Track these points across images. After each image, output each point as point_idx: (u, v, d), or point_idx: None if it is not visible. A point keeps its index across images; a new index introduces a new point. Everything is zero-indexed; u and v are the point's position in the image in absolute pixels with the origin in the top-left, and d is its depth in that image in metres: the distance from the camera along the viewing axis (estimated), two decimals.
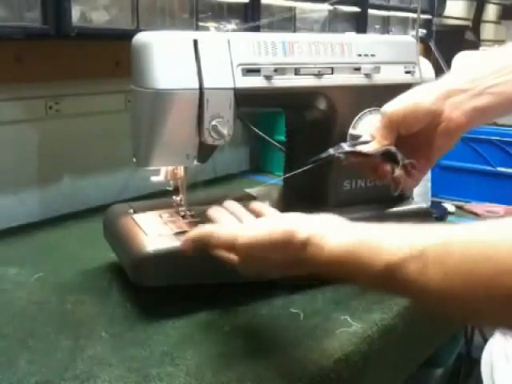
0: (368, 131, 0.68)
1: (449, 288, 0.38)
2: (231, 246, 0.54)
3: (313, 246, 0.47)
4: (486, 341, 0.86)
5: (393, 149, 0.62)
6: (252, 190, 0.88)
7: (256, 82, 0.69)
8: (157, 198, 0.85)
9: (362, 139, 0.67)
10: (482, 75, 0.60)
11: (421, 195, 0.91)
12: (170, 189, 0.76)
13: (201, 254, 0.58)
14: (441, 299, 0.39)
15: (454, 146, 0.64)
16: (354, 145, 0.65)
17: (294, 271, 0.51)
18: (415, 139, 0.62)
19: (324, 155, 0.66)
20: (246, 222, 0.58)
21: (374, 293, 0.72)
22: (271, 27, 1.31)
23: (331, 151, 0.66)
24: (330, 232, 0.47)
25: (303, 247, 0.47)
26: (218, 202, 0.82)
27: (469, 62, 0.62)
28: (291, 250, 0.48)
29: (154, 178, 0.75)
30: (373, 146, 0.63)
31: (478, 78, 0.60)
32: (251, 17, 1.22)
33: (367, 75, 0.75)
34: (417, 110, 0.61)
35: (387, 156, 0.63)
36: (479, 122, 0.62)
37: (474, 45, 2.09)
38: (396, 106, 0.62)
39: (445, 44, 1.92)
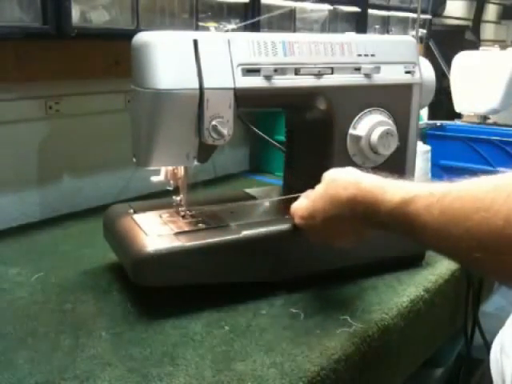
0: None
1: (442, 222, 0.45)
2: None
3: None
4: (486, 341, 0.86)
5: None
6: (252, 190, 0.88)
7: (256, 82, 0.69)
8: (157, 198, 0.85)
9: None
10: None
11: None
12: (170, 189, 0.76)
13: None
14: (437, 233, 0.46)
15: None
16: None
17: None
18: None
19: None
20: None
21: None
22: (271, 27, 1.31)
23: None
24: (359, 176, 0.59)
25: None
26: (218, 201, 0.82)
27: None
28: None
29: (153, 178, 0.75)
30: None
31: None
32: (251, 17, 1.23)
33: (367, 75, 0.75)
34: None
35: None
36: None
37: (474, 45, 2.09)
38: None
39: (445, 44, 1.92)
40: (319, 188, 0.63)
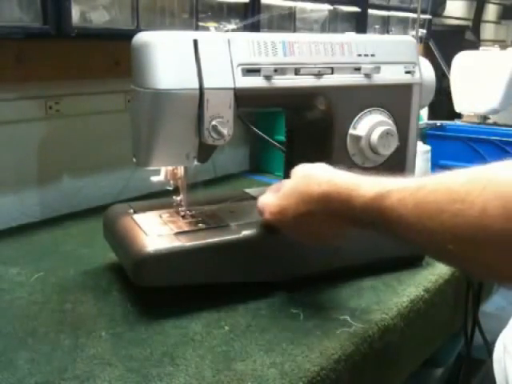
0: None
1: (416, 215, 0.45)
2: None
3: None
4: (486, 341, 0.86)
5: None
6: (252, 190, 0.88)
7: (256, 82, 0.69)
8: (157, 198, 0.85)
9: None
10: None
11: None
12: (170, 189, 0.76)
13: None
14: (411, 226, 0.46)
15: None
16: None
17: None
18: None
19: None
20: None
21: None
22: (271, 27, 1.31)
23: None
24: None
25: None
26: (218, 201, 0.82)
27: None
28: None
29: (153, 178, 0.75)
30: None
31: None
32: (251, 17, 1.23)
33: (367, 75, 0.75)
34: None
35: None
36: None
37: (474, 45, 2.09)
38: None
39: (445, 44, 1.92)
40: (289, 183, 0.62)
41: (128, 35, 0.69)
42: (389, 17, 1.79)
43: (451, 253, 0.43)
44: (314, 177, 0.59)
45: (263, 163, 1.42)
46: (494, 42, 2.62)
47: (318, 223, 0.59)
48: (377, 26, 1.76)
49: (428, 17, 1.95)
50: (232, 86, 0.67)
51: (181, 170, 0.74)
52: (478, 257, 0.42)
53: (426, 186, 0.46)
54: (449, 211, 0.42)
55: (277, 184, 0.66)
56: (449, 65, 1.50)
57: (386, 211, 0.48)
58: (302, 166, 0.63)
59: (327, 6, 1.48)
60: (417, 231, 0.46)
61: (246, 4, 1.23)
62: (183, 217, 0.75)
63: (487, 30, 2.72)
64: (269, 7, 1.30)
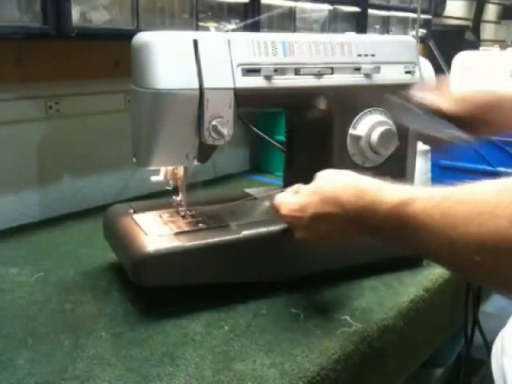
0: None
1: (441, 225, 0.44)
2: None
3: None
4: (486, 341, 0.86)
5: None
6: (252, 190, 0.88)
7: (256, 82, 0.69)
8: (157, 198, 0.85)
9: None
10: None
11: None
12: (170, 189, 0.76)
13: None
14: (434, 236, 0.45)
15: None
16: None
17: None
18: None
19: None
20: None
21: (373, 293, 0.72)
22: (271, 27, 1.31)
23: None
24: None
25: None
26: (218, 201, 0.82)
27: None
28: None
29: (153, 178, 0.75)
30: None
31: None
32: (251, 17, 1.23)
33: (367, 75, 0.75)
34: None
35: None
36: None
37: (474, 45, 2.09)
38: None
39: (445, 44, 1.92)
40: (313, 184, 0.62)
41: (128, 35, 0.69)
42: (389, 17, 1.79)
43: (475, 265, 0.42)
44: (341, 181, 0.58)
45: (263, 163, 1.42)
46: (494, 41, 2.62)
47: (333, 227, 0.59)
48: (377, 26, 1.76)
49: (428, 17, 1.95)
50: (232, 86, 0.67)
51: (181, 170, 0.73)
52: (501, 269, 0.41)
53: (452, 196, 0.45)
54: (475, 222, 0.41)
55: (296, 186, 0.66)
56: (449, 65, 1.50)
57: (410, 219, 0.48)
58: (329, 170, 0.62)
59: (327, 6, 1.48)
60: (440, 242, 0.45)
61: (245, 4, 1.23)
62: (183, 217, 0.75)
63: (487, 30, 2.72)
64: (269, 7, 1.30)
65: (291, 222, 0.64)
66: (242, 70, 0.68)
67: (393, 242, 0.53)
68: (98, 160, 1.09)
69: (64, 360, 0.58)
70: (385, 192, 0.52)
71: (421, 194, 0.48)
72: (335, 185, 0.59)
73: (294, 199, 0.63)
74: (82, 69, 1.01)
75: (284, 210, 0.64)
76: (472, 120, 0.70)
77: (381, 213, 0.51)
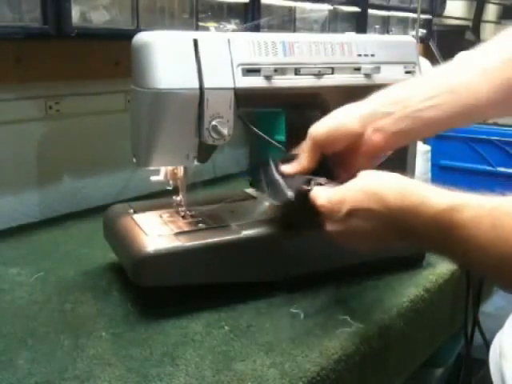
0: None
1: (491, 237, 0.42)
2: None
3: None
4: (486, 341, 0.86)
5: (310, 179, 0.63)
6: (252, 190, 0.88)
7: (256, 81, 0.69)
8: (157, 198, 0.85)
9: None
10: (410, 96, 0.59)
11: None
12: (170, 189, 0.76)
13: None
14: (482, 248, 0.43)
15: (376, 164, 0.64)
16: (282, 161, 0.67)
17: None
18: (339, 155, 0.64)
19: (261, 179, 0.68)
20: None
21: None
22: (271, 27, 1.31)
23: (261, 174, 0.68)
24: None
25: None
26: (218, 201, 0.82)
27: (406, 81, 0.61)
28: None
29: (153, 178, 0.75)
30: (295, 167, 0.65)
31: (405, 99, 0.59)
32: (251, 17, 1.23)
33: (367, 75, 0.75)
34: (339, 131, 0.61)
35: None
36: (401, 144, 0.62)
37: (474, 45, 2.09)
38: (320, 127, 0.63)
39: (445, 44, 1.92)
40: (357, 180, 0.58)
41: (128, 35, 0.69)
42: (389, 17, 1.79)
43: None
44: (387, 180, 0.55)
45: None
46: None
47: (371, 225, 0.55)
48: (377, 26, 1.76)
49: (428, 17, 1.95)
50: (232, 86, 0.67)
51: (181, 170, 0.73)
52: None
53: (502, 205, 0.43)
54: None
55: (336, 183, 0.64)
56: None
57: (456, 227, 0.45)
58: (372, 170, 0.59)
59: (327, 6, 1.48)
60: (488, 254, 0.42)
61: (246, 4, 1.23)
62: (183, 217, 0.75)
63: (487, 30, 2.71)
64: (269, 7, 1.30)
65: (327, 213, 0.59)
66: (242, 69, 0.68)
67: (432, 249, 0.50)
68: (98, 160, 1.09)
69: (64, 360, 0.58)
70: (432, 195, 0.49)
71: (470, 201, 0.46)
72: (380, 182, 0.55)
73: (334, 190, 0.60)
74: (82, 69, 1.01)
75: (321, 200, 0.60)
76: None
77: (425, 216, 0.48)
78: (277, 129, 1.12)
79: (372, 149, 0.61)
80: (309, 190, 0.62)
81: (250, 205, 0.82)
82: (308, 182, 0.63)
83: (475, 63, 0.61)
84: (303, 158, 0.64)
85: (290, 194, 0.62)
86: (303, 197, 0.62)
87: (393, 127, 0.59)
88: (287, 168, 0.65)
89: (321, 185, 0.63)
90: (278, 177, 0.65)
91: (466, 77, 0.59)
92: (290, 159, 0.66)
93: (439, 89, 0.59)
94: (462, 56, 0.66)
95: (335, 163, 0.65)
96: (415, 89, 0.60)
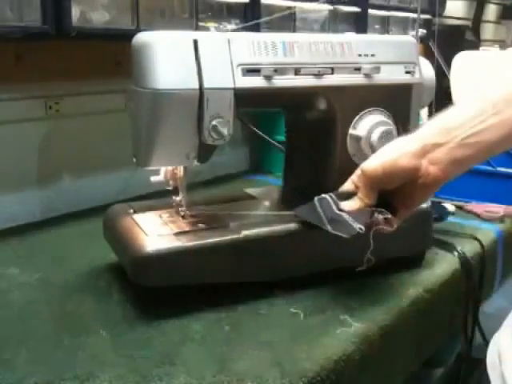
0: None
1: None
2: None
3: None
4: (486, 341, 0.86)
5: (374, 211, 0.63)
6: (252, 190, 0.88)
7: (256, 81, 0.69)
8: (157, 198, 0.85)
9: (343, 188, 0.66)
10: (458, 125, 0.59)
11: None
12: (170, 189, 0.76)
13: None
14: None
15: (434, 194, 0.67)
16: (338, 197, 0.66)
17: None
18: (396, 191, 0.64)
19: (312, 215, 0.67)
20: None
21: (373, 290, 0.72)
22: (271, 27, 1.31)
23: (319, 209, 0.66)
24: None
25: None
26: (218, 201, 0.82)
27: (448, 110, 0.62)
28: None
29: (153, 178, 0.75)
30: (356, 204, 0.64)
31: (454, 129, 0.59)
32: (251, 17, 1.22)
33: (367, 75, 0.75)
34: (394, 169, 0.61)
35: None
36: (459, 173, 0.62)
37: (474, 45, 2.09)
38: (375, 164, 0.62)
39: (445, 44, 1.91)
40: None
41: (128, 35, 0.69)
42: (389, 17, 1.78)
43: None
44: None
45: (263, 163, 1.42)
46: (494, 42, 2.61)
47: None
48: (377, 26, 1.76)
49: (428, 17, 1.95)
50: (232, 86, 0.67)
51: (181, 170, 0.73)
52: None
53: None
54: None
55: None
56: (449, 65, 1.50)
57: None
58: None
59: (327, 6, 1.48)
60: None
61: (246, 4, 1.23)
62: (183, 217, 0.75)
63: (487, 30, 2.71)
64: (269, 7, 1.30)
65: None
66: (242, 69, 0.68)
67: None
68: (98, 160, 1.09)
69: (64, 360, 0.58)
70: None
71: None
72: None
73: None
74: (82, 69, 1.01)
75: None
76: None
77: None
78: (277, 129, 1.12)
79: (430, 182, 0.61)
80: (378, 223, 0.63)
81: (250, 205, 0.83)
82: (371, 214, 0.63)
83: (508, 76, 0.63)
84: (363, 195, 0.64)
85: (358, 226, 0.62)
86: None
87: (448, 158, 0.59)
88: (350, 206, 0.65)
89: (384, 216, 0.63)
90: (339, 212, 0.64)
91: (506, 93, 0.59)
92: (344, 195, 0.66)
93: (484, 112, 0.59)
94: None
95: (393, 196, 0.64)
96: (461, 115, 0.60)
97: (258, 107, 0.85)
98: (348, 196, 0.65)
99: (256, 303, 0.70)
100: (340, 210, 0.65)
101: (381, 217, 0.63)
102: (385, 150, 0.63)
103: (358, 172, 0.64)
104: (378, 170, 0.62)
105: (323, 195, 0.67)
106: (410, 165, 0.60)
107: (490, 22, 2.74)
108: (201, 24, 1.14)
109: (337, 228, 0.64)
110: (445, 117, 0.61)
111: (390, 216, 0.63)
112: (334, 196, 0.66)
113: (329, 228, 0.65)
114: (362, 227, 0.62)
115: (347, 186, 0.66)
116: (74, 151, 1.05)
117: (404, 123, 0.79)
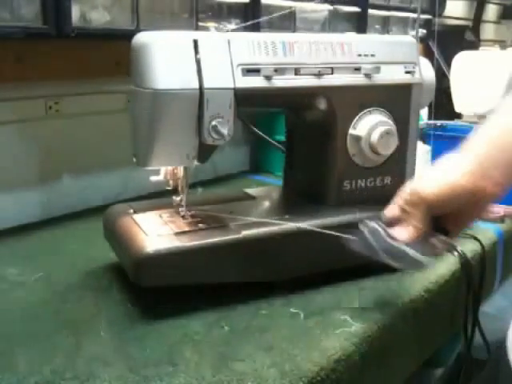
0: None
1: None
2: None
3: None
4: (486, 341, 0.86)
5: (429, 236, 0.60)
6: (252, 190, 0.88)
7: (256, 81, 0.69)
8: (157, 198, 0.85)
9: (388, 214, 0.61)
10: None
11: None
12: (170, 189, 0.76)
13: None
14: None
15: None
16: (385, 224, 0.61)
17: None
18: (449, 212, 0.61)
19: (364, 246, 0.63)
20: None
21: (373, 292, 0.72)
22: (271, 27, 1.31)
23: (371, 241, 0.62)
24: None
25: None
26: (218, 201, 0.82)
27: (494, 122, 0.60)
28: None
29: (153, 178, 0.75)
30: (411, 232, 0.60)
31: (507, 143, 0.57)
32: (251, 17, 1.23)
33: (367, 75, 0.75)
34: (454, 191, 0.57)
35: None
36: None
37: (474, 45, 2.09)
38: (431, 188, 0.58)
39: (445, 44, 1.91)
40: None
41: (128, 35, 0.69)
42: (389, 17, 1.79)
43: None
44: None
45: (263, 163, 1.42)
46: (494, 41, 2.61)
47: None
48: (377, 26, 1.76)
49: (428, 17, 1.95)
50: (232, 86, 0.67)
51: (181, 170, 0.73)
52: None
53: None
54: None
55: None
56: (449, 65, 1.50)
57: None
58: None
59: (327, 6, 1.48)
60: None
61: (246, 4, 1.23)
62: (183, 217, 0.75)
63: (487, 30, 2.71)
64: (269, 7, 1.30)
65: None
66: (242, 70, 0.68)
67: None
68: (98, 160, 1.09)
69: (64, 360, 0.58)
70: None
71: None
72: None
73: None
74: (82, 69, 1.01)
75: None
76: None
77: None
78: (277, 129, 1.12)
79: (489, 201, 0.59)
80: (436, 248, 0.60)
81: (250, 205, 0.83)
82: (426, 239, 0.60)
83: None
84: (417, 221, 0.59)
85: (426, 260, 0.59)
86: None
87: (507, 175, 0.57)
88: (402, 235, 0.60)
89: (440, 240, 0.61)
90: (393, 242, 0.60)
91: None
92: (391, 221, 0.61)
93: None
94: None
95: (447, 219, 0.61)
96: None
97: (258, 107, 0.85)
98: (393, 221, 0.61)
99: (256, 303, 0.70)
100: (391, 237, 0.60)
101: (437, 241, 0.60)
102: (441, 169, 0.59)
103: (406, 196, 0.60)
104: (437, 193, 0.57)
105: (370, 223, 0.62)
106: (469, 187, 0.56)
107: (490, 22, 2.74)
108: (201, 24, 1.14)
109: (397, 260, 0.60)
110: (492, 129, 0.59)
111: (445, 238, 0.60)
112: (381, 224, 0.61)
113: (391, 262, 0.60)
114: (431, 260, 0.59)
115: (392, 211, 0.61)
116: (73, 151, 1.05)
117: (404, 123, 0.79)
